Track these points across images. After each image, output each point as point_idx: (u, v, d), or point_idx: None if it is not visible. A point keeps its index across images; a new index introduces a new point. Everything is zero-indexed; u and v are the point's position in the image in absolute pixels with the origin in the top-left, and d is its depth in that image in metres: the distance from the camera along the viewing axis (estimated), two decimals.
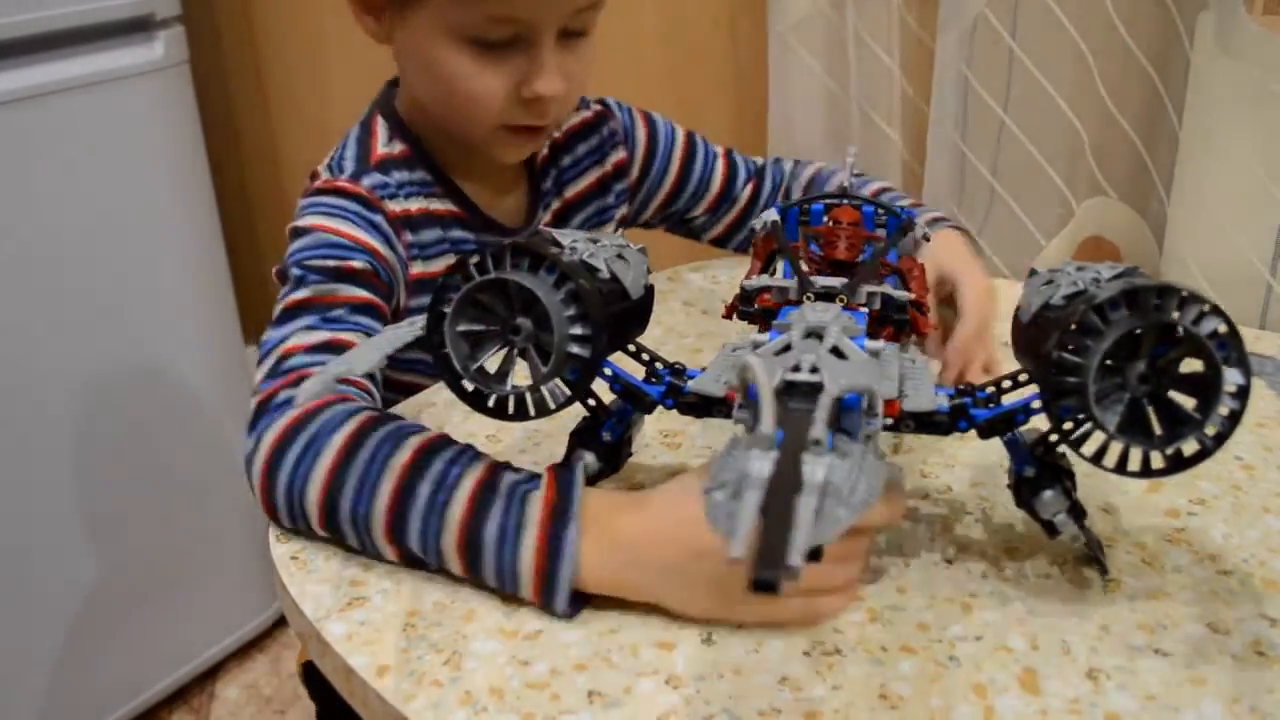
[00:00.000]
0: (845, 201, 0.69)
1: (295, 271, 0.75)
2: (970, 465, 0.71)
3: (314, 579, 0.62)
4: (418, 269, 0.82)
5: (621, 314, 0.59)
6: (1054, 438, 0.55)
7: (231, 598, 1.66)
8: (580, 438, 0.65)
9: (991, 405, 0.57)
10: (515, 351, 0.55)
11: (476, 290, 0.54)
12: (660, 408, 0.60)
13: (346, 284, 0.74)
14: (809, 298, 0.58)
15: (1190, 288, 0.49)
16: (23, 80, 1.30)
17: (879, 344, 0.52)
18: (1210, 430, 0.49)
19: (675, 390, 0.60)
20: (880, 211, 0.69)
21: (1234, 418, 0.49)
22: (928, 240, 0.69)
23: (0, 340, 1.30)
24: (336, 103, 1.54)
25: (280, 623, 1.71)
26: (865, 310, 0.58)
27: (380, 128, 0.85)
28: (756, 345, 0.50)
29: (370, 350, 0.58)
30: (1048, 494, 0.57)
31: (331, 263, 0.75)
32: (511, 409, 0.57)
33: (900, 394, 0.54)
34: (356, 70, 1.45)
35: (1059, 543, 0.62)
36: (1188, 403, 0.49)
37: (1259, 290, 0.94)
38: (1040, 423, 0.55)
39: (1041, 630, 0.56)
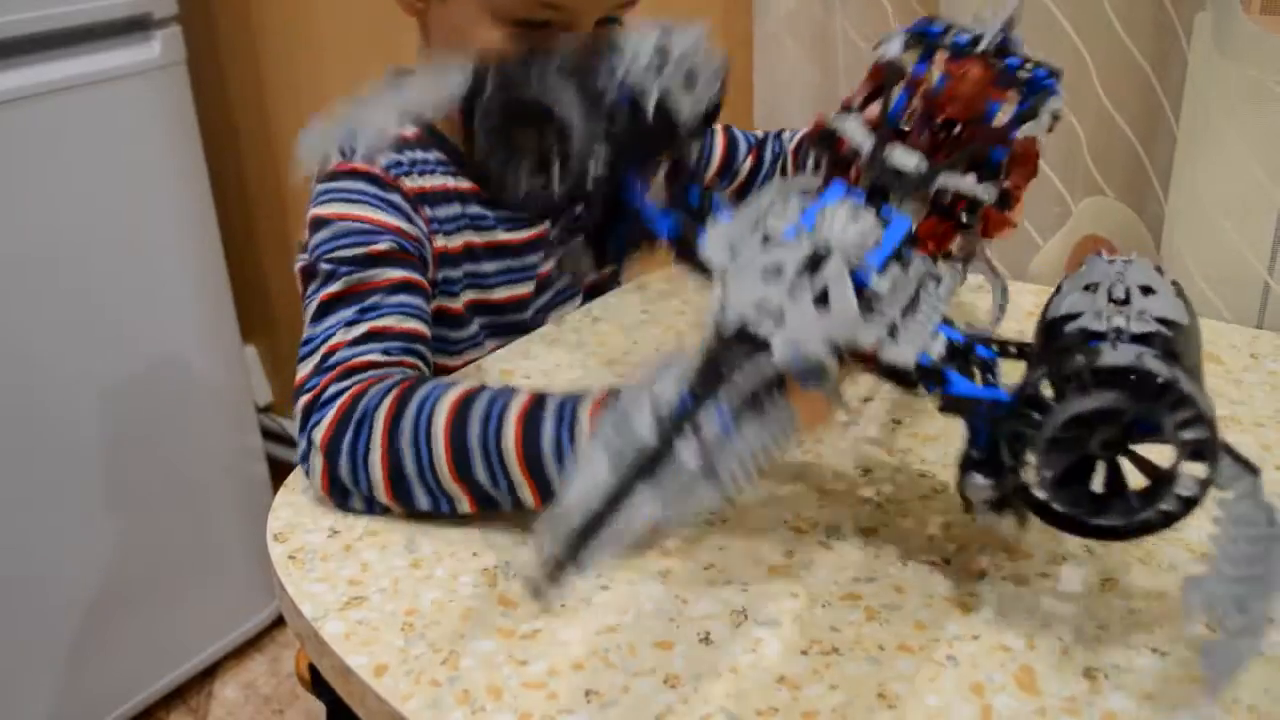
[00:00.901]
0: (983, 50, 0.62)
1: (324, 266, 0.74)
2: None
3: (312, 578, 0.61)
4: (440, 243, 0.83)
5: (661, 137, 0.57)
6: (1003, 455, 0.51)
7: (230, 597, 1.66)
8: (588, 235, 0.62)
9: (972, 377, 0.52)
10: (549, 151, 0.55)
11: (516, 103, 0.54)
12: None
13: (377, 268, 0.74)
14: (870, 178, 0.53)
15: (1191, 389, 0.45)
16: (20, 80, 1.30)
17: (887, 279, 0.49)
18: (1146, 515, 0.47)
19: (685, 241, 0.56)
20: (1019, 73, 0.61)
21: (1171, 518, 0.47)
22: (1056, 122, 0.62)
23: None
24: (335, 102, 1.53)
25: (278, 622, 1.71)
26: (908, 223, 0.53)
27: None
28: (767, 238, 0.48)
29: (386, 107, 0.58)
30: (978, 480, 0.52)
31: (359, 250, 0.75)
32: (529, 206, 0.58)
33: (888, 337, 0.50)
34: (354, 69, 1.46)
35: (1058, 542, 0.62)
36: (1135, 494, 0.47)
37: (1256, 289, 0.94)
38: None
39: (1039, 630, 0.56)
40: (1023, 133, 0.61)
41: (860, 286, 0.48)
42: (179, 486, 1.55)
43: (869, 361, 0.51)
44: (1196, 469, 0.46)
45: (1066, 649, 0.54)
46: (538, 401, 0.62)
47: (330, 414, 0.66)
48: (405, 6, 0.83)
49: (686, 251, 0.55)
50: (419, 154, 0.83)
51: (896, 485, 0.69)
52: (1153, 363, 0.45)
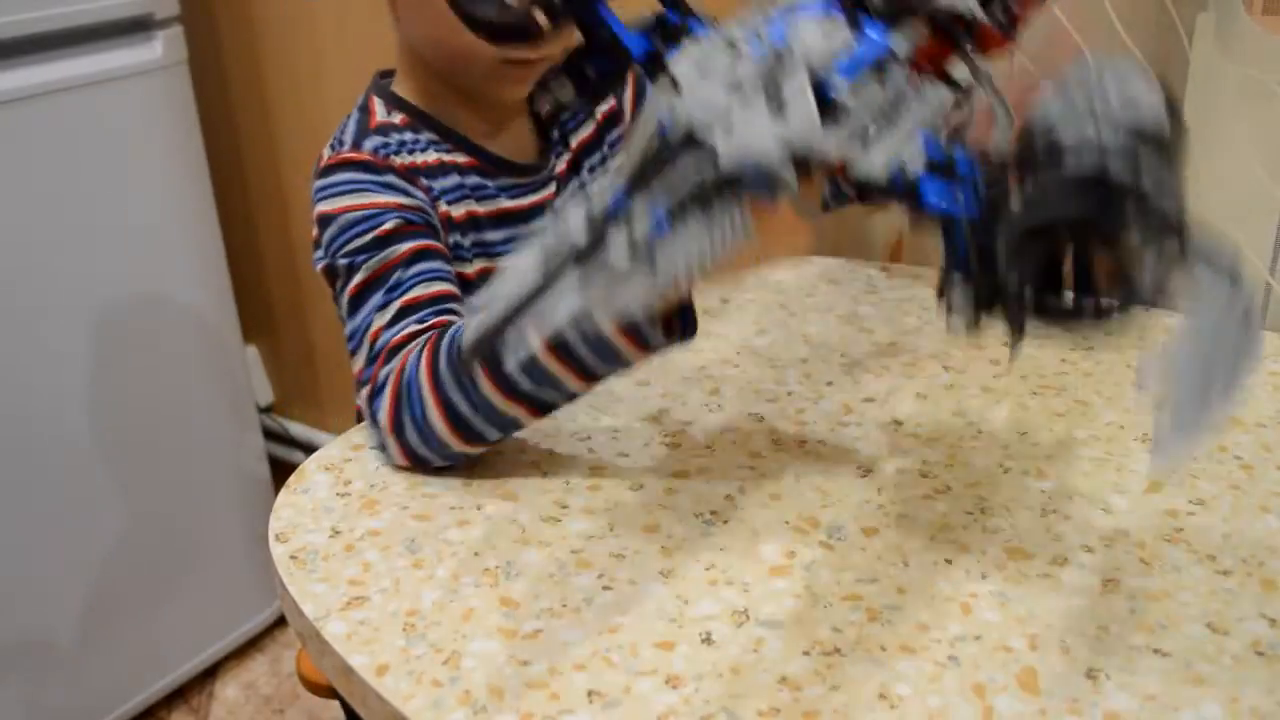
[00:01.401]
0: None
1: (342, 262, 0.77)
2: (969, 465, 0.71)
3: (313, 578, 0.62)
4: (443, 209, 0.83)
5: None
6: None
7: (230, 597, 1.66)
8: (567, 63, 0.62)
9: (949, 181, 0.49)
10: None
11: None
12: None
13: (390, 247, 0.76)
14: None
15: (1159, 201, 0.44)
16: (23, 79, 1.30)
17: (856, 93, 0.47)
18: (1114, 314, 0.46)
19: (656, 59, 0.56)
20: None
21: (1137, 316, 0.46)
22: None
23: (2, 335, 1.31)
24: (335, 102, 1.53)
25: (280, 622, 1.71)
26: (885, 35, 0.50)
27: (378, 105, 0.86)
28: (732, 44, 0.47)
29: None
30: (958, 294, 0.49)
31: (368, 236, 0.77)
32: (502, 29, 0.58)
33: (854, 145, 0.47)
34: (355, 70, 1.45)
35: (1059, 542, 0.62)
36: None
37: (1258, 288, 0.94)
38: None
39: (1041, 630, 0.56)
40: None
41: (825, 97, 0.46)
42: (180, 486, 1.55)
43: (839, 174, 0.49)
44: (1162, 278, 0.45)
45: (1068, 649, 0.54)
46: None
47: (386, 397, 0.71)
48: None
49: (658, 70, 0.54)
50: (407, 135, 0.84)
51: (898, 486, 0.69)
52: (1119, 173, 0.44)
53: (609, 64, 0.60)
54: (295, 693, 1.63)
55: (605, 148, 0.95)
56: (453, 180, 0.84)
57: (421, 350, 0.70)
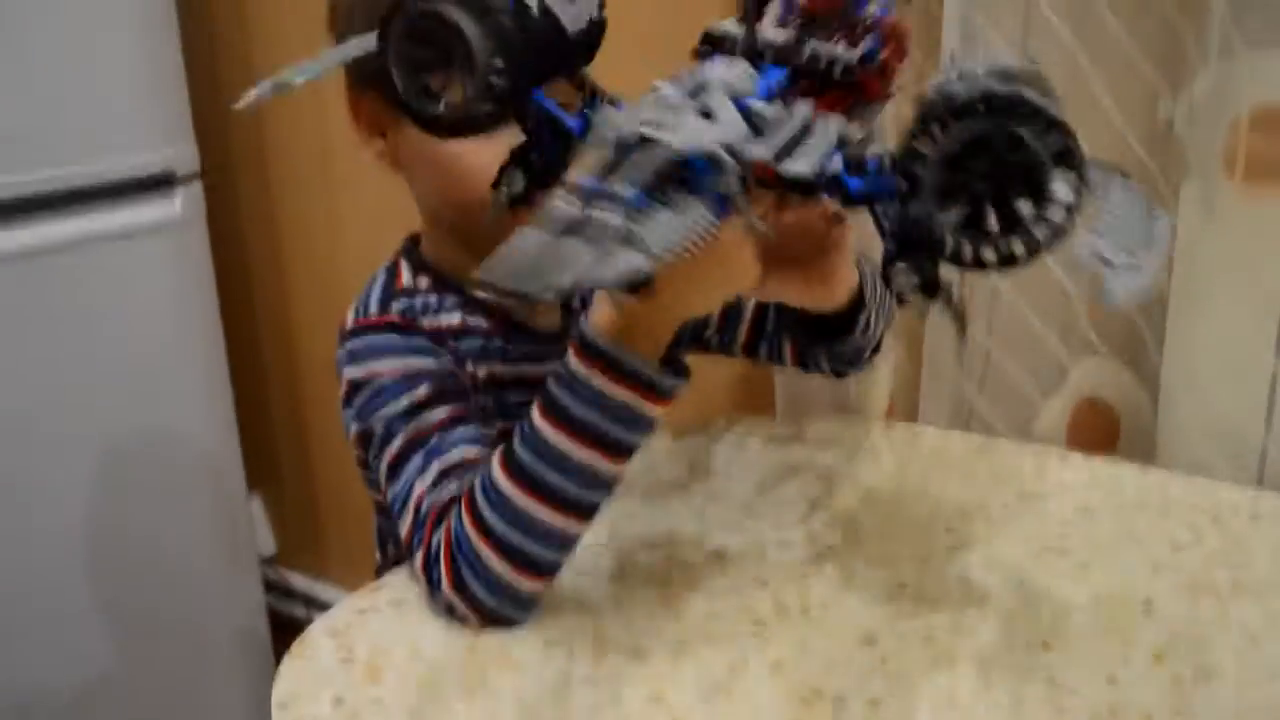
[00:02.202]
0: None
1: (379, 430, 0.78)
2: (974, 633, 0.71)
3: None
4: (469, 369, 0.85)
5: (553, 48, 0.61)
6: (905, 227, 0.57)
7: None
8: (514, 156, 0.66)
9: (864, 175, 0.59)
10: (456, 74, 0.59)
11: (417, 18, 0.58)
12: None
13: (426, 412, 0.78)
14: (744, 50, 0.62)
15: (1040, 102, 0.52)
16: (45, 234, 1.34)
17: (770, 106, 0.57)
18: (1039, 233, 0.53)
19: (589, 123, 0.62)
20: None
21: (1060, 230, 0.53)
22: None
23: (5, 478, 1.32)
24: (350, 260, 1.58)
25: None
26: (782, 70, 0.61)
27: (405, 268, 0.88)
28: (655, 92, 0.56)
29: (317, 62, 0.63)
30: (899, 265, 0.58)
31: (403, 403, 0.78)
32: (448, 125, 0.61)
33: (780, 156, 0.56)
34: (370, 229, 1.49)
35: (1064, 715, 0.62)
36: (1024, 207, 0.53)
37: (1255, 449, 0.95)
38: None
39: None
40: (887, 12, 0.67)
41: (744, 110, 0.55)
42: (179, 636, 1.54)
43: (771, 182, 0.57)
44: (1066, 183, 0.52)
45: None
46: (548, 397, 0.68)
47: (443, 561, 0.71)
48: (383, 158, 0.87)
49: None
50: (432, 299, 0.86)
51: (900, 654, 0.69)
52: (993, 84, 0.53)
53: (553, 149, 0.65)
54: None
55: None
56: (477, 343, 0.86)
57: (460, 503, 0.71)
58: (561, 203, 0.46)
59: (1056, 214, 0.52)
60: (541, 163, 0.65)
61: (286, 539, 1.93)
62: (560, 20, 0.62)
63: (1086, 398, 1.06)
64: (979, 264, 0.55)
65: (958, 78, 0.55)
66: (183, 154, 1.48)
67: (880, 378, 1.12)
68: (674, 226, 0.48)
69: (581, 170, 0.48)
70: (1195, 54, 0.92)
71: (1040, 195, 0.52)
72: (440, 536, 0.71)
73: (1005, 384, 1.07)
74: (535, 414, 0.69)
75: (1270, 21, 0.88)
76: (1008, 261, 0.54)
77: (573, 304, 0.93)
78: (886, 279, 0.60)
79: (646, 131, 0.51)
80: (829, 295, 0.78)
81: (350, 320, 0.85)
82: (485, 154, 0.81)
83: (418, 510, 0.74)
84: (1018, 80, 0.54)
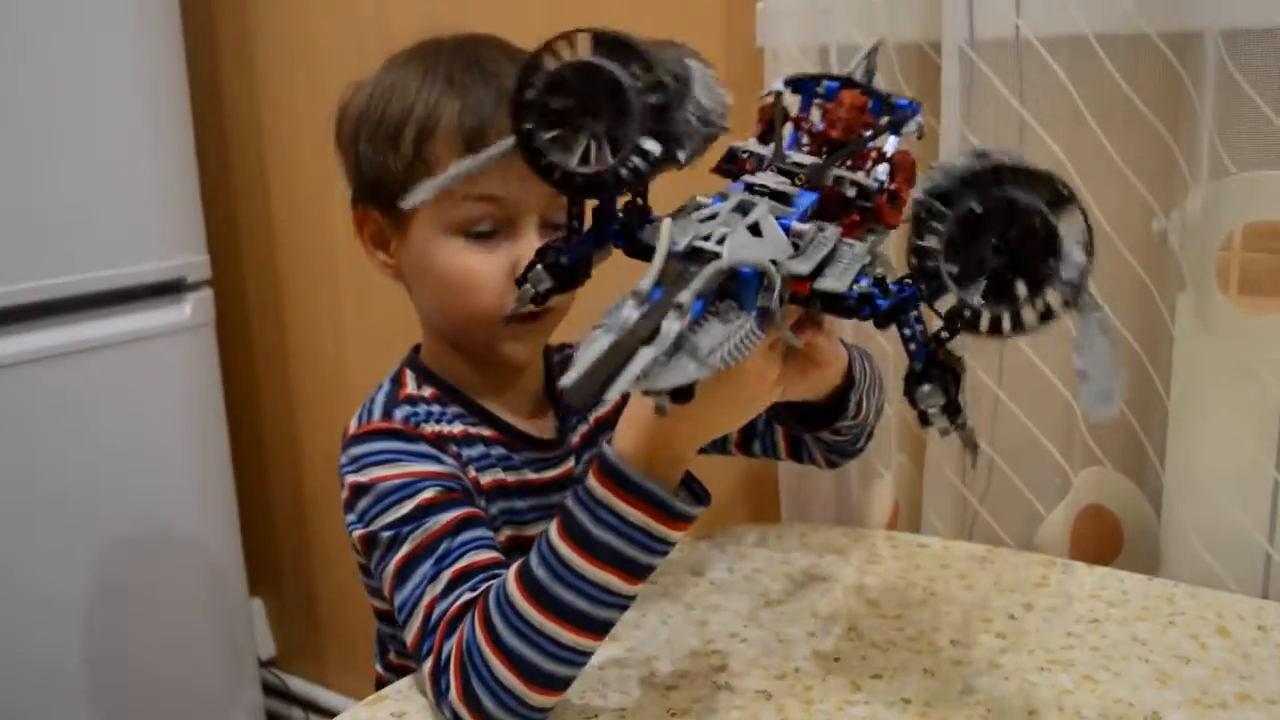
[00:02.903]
0: (856, 86, 0.74)
1: (385, 534, 0.78)
2: None
3: None
4: (472, 475, 0.85)
5: (691, 136, 0.62)
6: (940, 326, 0.60)
7: None
8: (541, 256, 0.66)
9: (887, 293, 0.61)
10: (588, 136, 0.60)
11: (571, 72, 0.59)
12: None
13: (433, 516, 0.77)
14: (774, 170, 0.65)
15: (1019, 161, 0.54)
16: (55, 339, 1.36)
17: (808, 226, 0.61)
18: (1068, 276, 0.54)
19: (628, 232, 0.64)
20: (885, 103, 0.73)
21: (1084, 270, 0.54)
22: (921, 136, 0.74)
23: (5, 578, 1.31)
24: (354, 366, 1.59)
25: None
26: (816, 192, 0.65)
27: (409, 377, 0.89)
28: (699, 207, 0.58)
29: (472, 161, 0.64)
30: (925, 387, 0.61)
31: (409, 506, 0.78)
32: (582, 182, 0.60)
33: (816, 274, 0.61)
34: (374, 336, 1.51)
35: None
36: (1042, 262, 0.54)
37: (1259, 559, 0.95)
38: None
39: None
40: (896, 146, 0.71)
41: (785, 229, 0.59)
42: None
43: (806, 298, 0.61)
44: (1071, 223, 0.54)
45: None
46: (566, 517, 0.68)
47: (452, 672, 0.70)
48: (388, 270, 0.90)
49: (633, 245, 0.65)
50: (435, 408, 0.87)
51: None
52: (972, 163, 0.55)
53: (580, 253, 0.67)
54: None
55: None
56: (479, 450, 0.87)
57: (473, 614, 0.70)
58: (628, 311, 0.48)
59: (1076, 254, 0.54)
60: (568, 265, 0.66)
61: (287, 643, 1.91)
62: (709, 114, 0.63)
63: (1090, 505, 1.06)
64: (1019, 327, 0.56)
65: (940, 175, 0.57)
66: (195, 262, 1.50)
67: (883, 486, 1.13)
68: (725, 337, 0.50)
69: (646, 279, 0.50)
70: (1187, 172, 0.95)
71: (1053, 245, 0.54)
72: (451, 645, 0.71)
73: (1009, 495, 1.07)
74: (553, 532, 0.69)
75: (1258, 143, 0.90)
76: (1047, 316, 0.55)
77: (569, 410, 0.94)
78: (911, 399, 0.62)
79: (704, 245, 0.53)
80: (824, 379, 0.79)
81: (354, 426, 0.85)
82: (483, 264, 0.83)
83: (428, 617, 0.73)
84: (992, 156, 0.56)
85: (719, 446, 0.98)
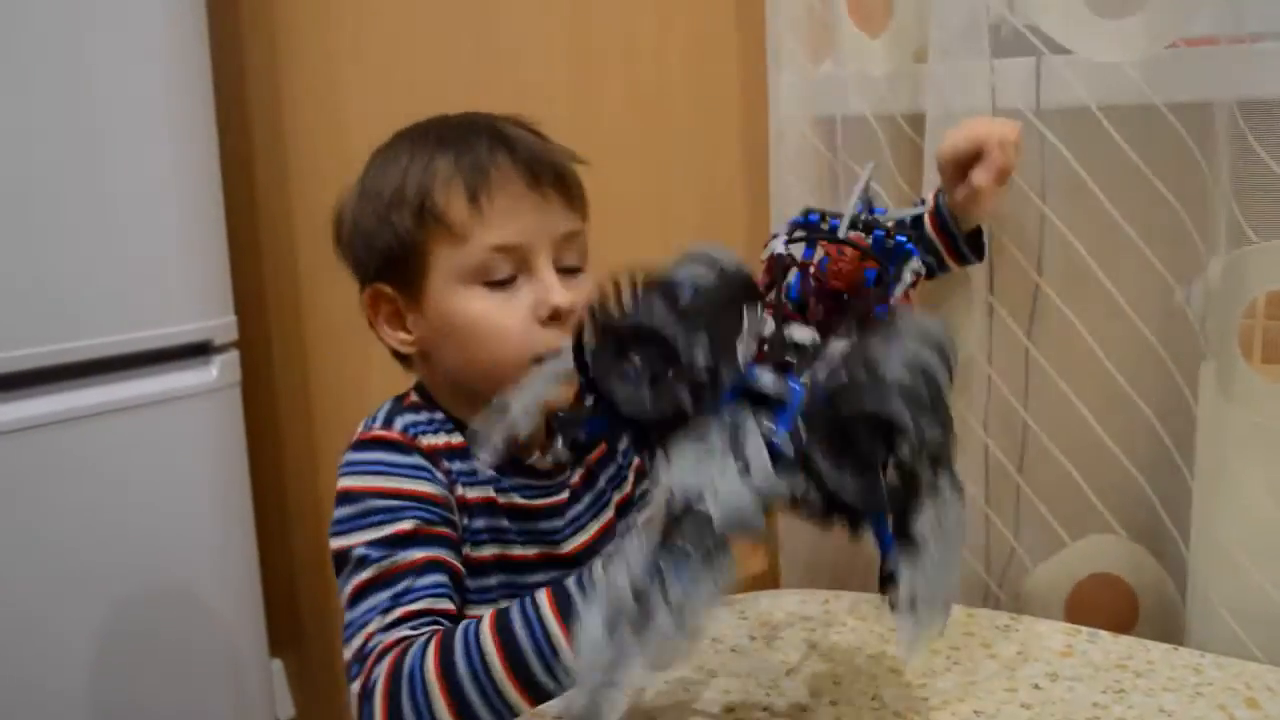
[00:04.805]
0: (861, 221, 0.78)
1: (356, 553, 0.79)
2: None
3: None
4: (460, 492, 0.86)
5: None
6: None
7: None
8: (563, 430, 0.67)
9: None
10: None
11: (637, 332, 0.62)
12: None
13: (404, 550, 0.79)
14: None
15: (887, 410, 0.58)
16: (81, 400, 1.36)
17: (792, 442, 0.61)
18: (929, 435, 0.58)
19: (644, 435, 0.66)
20: (888, 234, 0.76)
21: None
22: (919, 277, 0.78)
23: (25, 636, 1.31)
24: None
25: None
26: (801, 414, 0.64)
27: (414, 394, 0.92)
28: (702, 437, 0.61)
29: (528, 385, 0.67)
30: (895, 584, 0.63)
31: (384, 532, 0.79)
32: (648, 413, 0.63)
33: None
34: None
35: None
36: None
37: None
38: None
39: None
40: (895, 296, 0.75)
41: (774, 451, 0.61)
42: None
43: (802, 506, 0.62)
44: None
45: None
46: (502, 619, 0.71)
47: (379, 699, 0.72)
48: (406, 347, 0.92)
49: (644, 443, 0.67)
50: (439, 415, 0.90)
51: None
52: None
53: (595, 434, 0.70)
54: None
55: (619, 457, 0.99)
56: (468, 466, 0.88)
57: (426, 647, 0.72)
58: (618, 579, 0.55)
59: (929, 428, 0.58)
60: (585, 441, 0.71)
61: (306, 704, 1.90)
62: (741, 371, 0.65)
63: (1095, 574, 1.05)
64: (915, 492, 0.60)
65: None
66: (223, 324, 1.52)
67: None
68: (704, 596, 0.56)
69: (637, 537, 0.57)
70: (1205, 243, 0.95)
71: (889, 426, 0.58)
72: (381, 671, 0.73)
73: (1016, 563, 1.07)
74: (538, 601, 0.71)
75: (1277, 209, 0.91)
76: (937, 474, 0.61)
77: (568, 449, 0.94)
78: (884, 591, 0.65)
79: (693, 501, 0.57)
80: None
81: (358, 432, 0.88)
82: (505, 312, 0.85)
83: (365, 643, 0.75)
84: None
85: None
